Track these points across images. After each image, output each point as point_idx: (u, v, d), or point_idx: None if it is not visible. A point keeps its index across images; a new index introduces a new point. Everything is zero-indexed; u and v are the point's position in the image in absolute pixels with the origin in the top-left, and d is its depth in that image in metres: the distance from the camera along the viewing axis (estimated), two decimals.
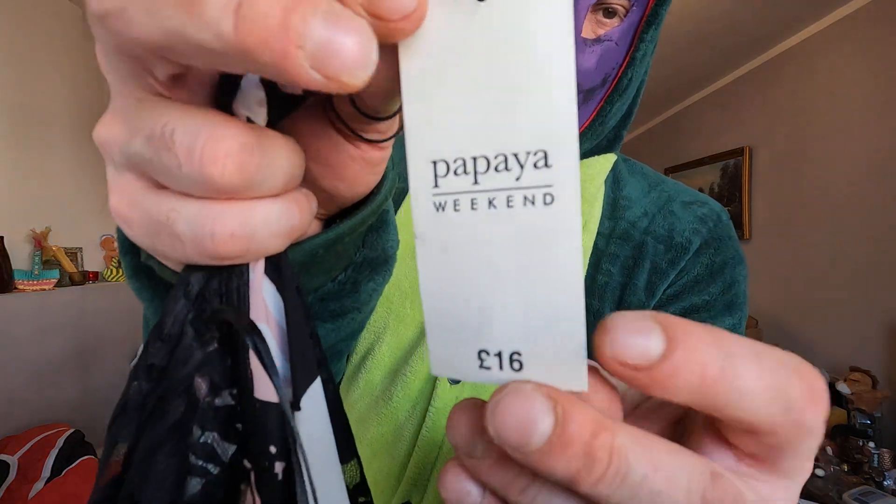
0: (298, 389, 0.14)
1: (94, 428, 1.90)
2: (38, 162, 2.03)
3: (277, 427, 0.14)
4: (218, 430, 0.14)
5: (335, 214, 0.21)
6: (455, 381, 0.38)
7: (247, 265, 0.15)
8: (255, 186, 0.13)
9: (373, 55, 0.10)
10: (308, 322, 0.16)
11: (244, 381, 0.14)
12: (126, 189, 0.14)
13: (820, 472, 1.67)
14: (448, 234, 0.12)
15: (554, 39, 0.10)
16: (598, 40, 0.38)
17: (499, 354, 0.12)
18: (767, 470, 0.12)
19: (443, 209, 0.12)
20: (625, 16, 0.38)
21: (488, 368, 0.12)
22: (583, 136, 0.43)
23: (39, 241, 1.95)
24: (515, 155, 0.11)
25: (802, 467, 0.12)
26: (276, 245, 0.14)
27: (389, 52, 0.12)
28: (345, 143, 0.16)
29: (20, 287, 1.85)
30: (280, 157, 0.13)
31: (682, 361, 0.10)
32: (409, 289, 0.41)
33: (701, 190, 2.26)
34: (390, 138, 0.17)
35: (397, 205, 0.42)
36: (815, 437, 0.11)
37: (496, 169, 0.11)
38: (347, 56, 0.10)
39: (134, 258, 0.23)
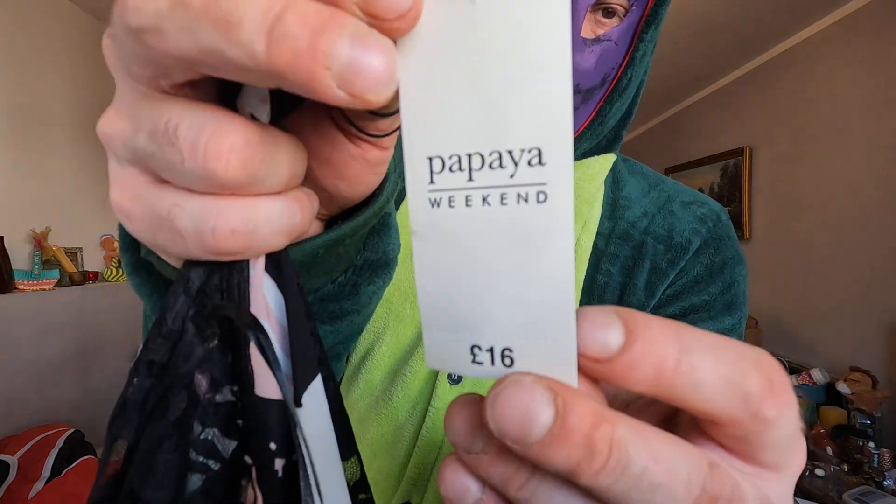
0: (299, 386, 0.15)
1: (94, 428, 1.90)
2: (38, 162, 2.03)
3: (278, 424, 0.14)
4: (218, 426, 0.14)
5: (337, 215, 0.21)
6: (455, 381, 0.38)
7: (247, 262, 0.15)
8: (257, 182, 0.13)
9: (396, 73, 0.11)
10: (309, 319, 0.16)
11: (245, 378, 0.14)
12: (129, 183, 0.14)
13: (820, 472, 1.67)
14: (443, 230, 0.12)
15: (550, 37, 0.10)
16: (597, 40, 0.38)
17: (490, 350, 0.12)
18: (751, 463, 0.12)
19: (438, 205, 0.12)
20: (624, 16, 0.38)
21: (480, 363, 0.12)
22: (582, 136, 0.43)
23: (39, 241, 1.95)
24: (510, 152, 0.11)
25: (787, 460, 0.12)
26: (278, 242, 0.14)
27: None
28: (345, 142, 0.16)
29: (20, 287, 1.85)
30: (283, 153, 0.13)
31: (640, 354, 0.11)
32: (408, 289, 0.41)
33: (701, 190, 2.26)
34: (390, 134, 0.17)
35: (398, 205, 0.42)
36: (779, 428, 0.11)
37: (491, 166, 0.11)
38: (371, 75, 0.10)
39: (134, 254, 0.23)
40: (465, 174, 0.12)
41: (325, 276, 0.23)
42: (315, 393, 0.15)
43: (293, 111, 0.16)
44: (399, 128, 0.17)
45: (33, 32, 2.01)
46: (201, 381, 0.14)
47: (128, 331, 2.21)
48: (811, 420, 1.94)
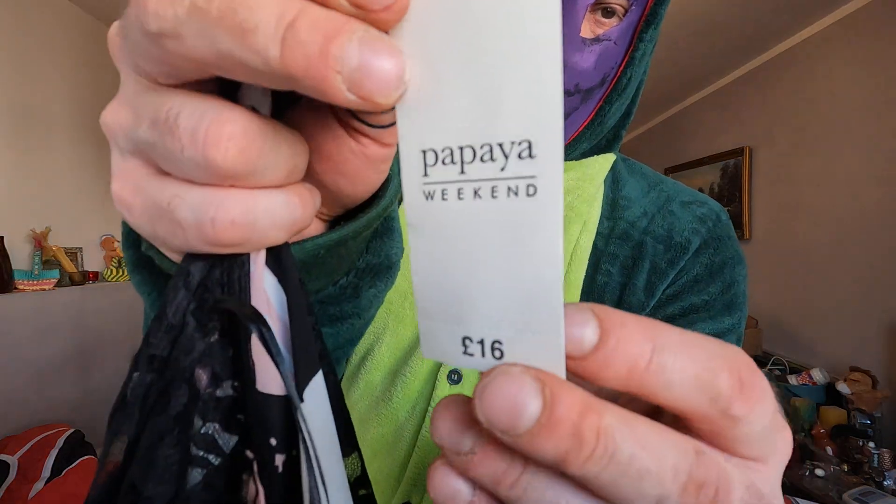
0: (301, 382, 0.15)
1: (94, 428, 1.89)
2: (38, 162, 2.03)
3: (278, 420, 0.14)
4: (219, 421, 0.14)
5: (339, 217, 0.21)
6: (455, 382, 0.38)
7: (248, 256, 0.15)
8: (257, 173, 0.13)
9: (404, 76, 0.11)
10: (310, 315, 0.16)
11: (246, 373, 0.14)
12: (130, 175, 0.14)
13: (820, 472, 1.67)
14: (436, 223, 0.12)
15: (541, 28, 0.10)
16: (596, 40, 0.38)
17: (481, 342, 0.12)
18: (732, 455, 0.12)
19: (432, 198, 0.12)
20: (624, 15, 0.38)
21: (471, 355, 0.12)
22: (582, 135, 0.43)
23: (39, 241, 1.95)
24: (500, 145, 0.11)
25: (767, 451, 0.12)
26: (278, 236, 0.14)
27: None
28: (346, 137, 0.16)
29: (20, 287, 1.85)
30: (283, 145, 0.14)
31: (612, 353, 0.11)
32: (408, 289, 0.41)
33: (701, 190, 2.26)
34: (389, 126, 0.17)
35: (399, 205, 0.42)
36: (749, 424, 0.12)
37: (482, 159, 0.11)
38: (380, 78, 0.11)
39: (136, 252, 0.23)
40: (458, 167, 0.12)
41: (326, 277, 0.23)
42: (316, 389, 0.15)
43: (295, 105, 0.16)
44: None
45: (33, 32, 2.01)
46: (202, 376, 0.14)
47: (128, 331, 2.21)
48: (811, 420, 1.94)
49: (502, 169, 0.11)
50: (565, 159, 0.44)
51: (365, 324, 0.28)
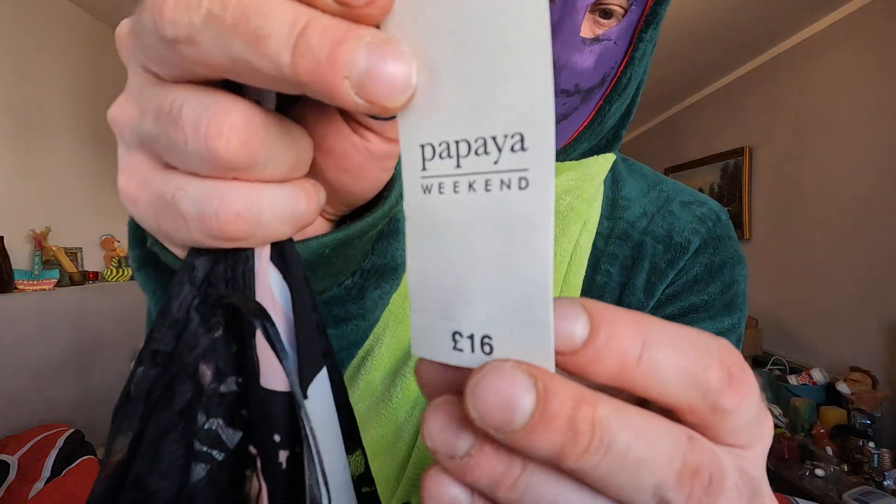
0: (305, 378, 0.15)
1: (94, 428, 1.89)
2: (38, 162, 2.03)
3: (282, 416, 0.14)
4: (223, 416, 0.14)
5: (345, 217, 0.21)
6: None
7: (252, 251, 0.15)
8: (259, 165, 0.13)
9: (411, 80, 0.12)
10: (315, 312, 0.16)
11: (250, 369, 0.14)
12: (136, 169, 0.14)
13: (820, 472, 1.67)
14: (433, 217, 0.12)
15: (530, 19, 0.10)
16: (596, 40, 0.38)
17: (471, 337, 0.12)
18: (718, 444, 0.12)
19: (429, 191, 0.12)
20: (623, 16, 0.38)
21: (461, 350, 0.12)
22: (581, 135, 0.43)
23: (39, 241, 1.95)
24: (494, 138, 0.11)
25: (753, 439, 0.13)
26: (282, 231, 0.14)
27: None
28: (349, 132, 0.16)
29: (20, 287, 1.85)
30: (286, 138, 0.14)
31: (602, 348, 0.11)
32: (407, 291, 0.41)
33: (701, 190, 2.26)
34: (389, 119, 0.17)
35: None
36: (738, 416, 0.12)
37: (476, 153, 0.11)
38: (387, 82, 0.11)
39: (142, 250, 0.23)
40: (454, 161, 0.12)
41: (331, 278, 0.23)
42: (320, 386, 0.15)
43: (298, 99, 0.16)
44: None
45: (33, 32, 2.01)
46: (206, 372, 0.14)
47: (128, 331, 2.21)
48: (811, 420, 1.94)
49: (496, 162, 0.11)
50: (565, 159, 0.44)
51: (370, 326, 0.28)
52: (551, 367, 0.11)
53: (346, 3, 0.11)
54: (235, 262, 0.14)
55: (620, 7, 0.37)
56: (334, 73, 0.11)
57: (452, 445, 0.12)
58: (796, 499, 1.47)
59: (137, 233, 0.22)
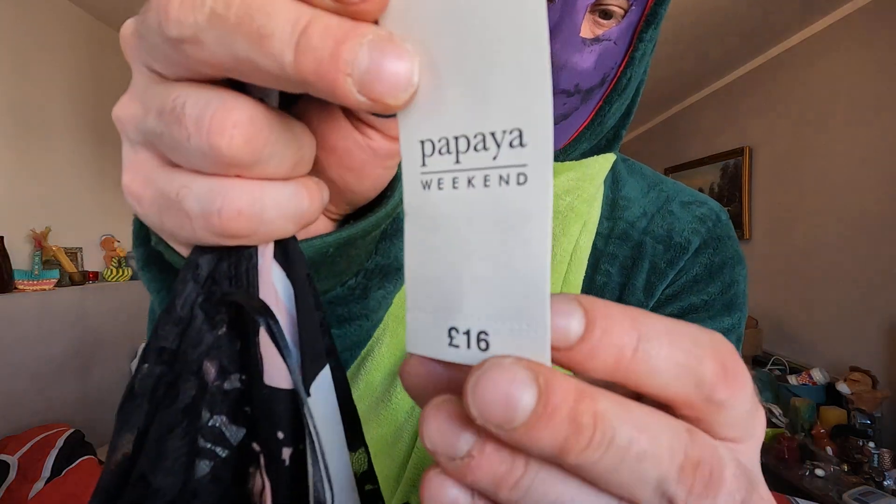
0: (308, 376, 0.15)
1: (94, 428, 1.90)
2: (38, 162, 2.03)
3: (285, 413, 0.14)
4: (226, 413, 0.14)
5: (349, 216, 0.21)
6: None
7: (255, 249, 0.15)
8: (262, 162, 0.13)
9: (413, 77, 0.12)
10: (318, 309, 0.16)
11: (253, 366, 0.14)
12: (140, 167, 0.14)
13: (820, 472, 1.67)
14: (432, 213, 0.13)
15: (526, 14, 0.10)
16: (596, 40, 0.38)
17: (467, 333, 0.12)
18: (713, 438, 0.12)
19: (428, 187, 0.12)
20: (622, 17, 0.38)
21: (457, 346, 0.12)
22: (582, 135, 0.43)
23: (39, 241, 1.95)
24: (492, 134, 0.11)
25: (746, 433, 0.13)
26: (285, 228, 0.14)
27: None
28: (352, 129, 0.16)
29: (20, 287, 1.85)
30: (289, 135, 0.14)
31: (598, 343, 0.11)
32: (405, 287, 0.41)
33: (701, 190, 2.26)
34: (390, 116, 0.17)
35: None
36: (732, 409, 0.12)
37: (475, 148, 0.12)
38: (389, 80, 0.11)
39: (146, 249, 0.23)
40: (453, 157, 0.12)
41: (334, 278, 0.23)
42: (323, 383, 0.15)
43: (301, 97, 0.16)
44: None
45: (33, 32, 2.02)
46: (210, 369, 0.14)
47: (128, 331, 2.21)
48: (811, 420, 1.94)
49: (494, 158, 0.11)
50: (565, 159, 0.44)
51: (373, 326, 0.28)
52: (548, 363, 0.11)
53: (342, 0, 0.11)
54: (239, 259, 0.15)
55: (620, 8, 0.37)
56: (337, 71, 0.11)
57: (452, 446, 0.11)
58: (796, 499, 1.47)
59: (142, 232, 0.23)
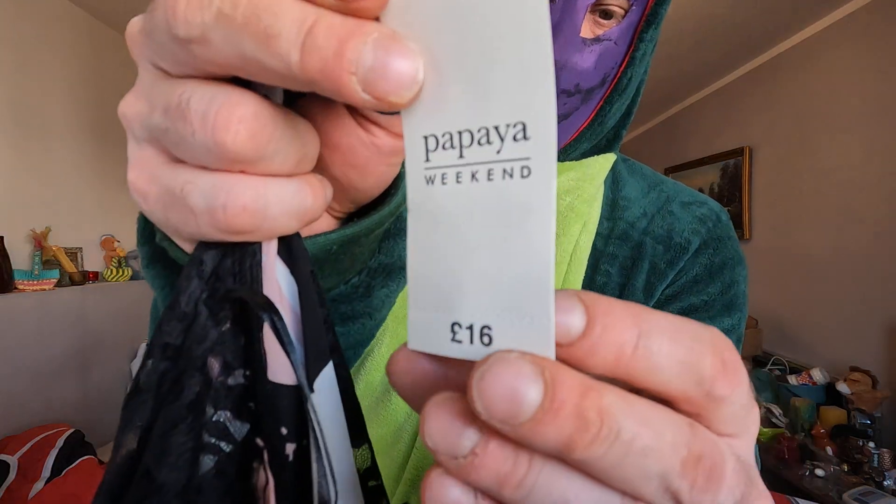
0: (311, 372, 0.15)
1: (94, 428, 1.90)
2: (38, 162, 2.03)
3: (289, 409, 0.14)
4: (231, 409, 0.14)
5: (353, 214, 0.21)
6: None
7: (259, 245, 0.15)
8: (267, 158, 0.13)
9: (417, 76, 0.12)
10: (322, 306, 0.16)
11: (257, 362, 0.14)
12: (145, 163, 0.15)
13: (820, 472, 1.67)
14: (435, 207, 0.13)
15: (527, 7, 0.10)
16: (596, 40, 0.38)
17: (470, 328, 0.12)
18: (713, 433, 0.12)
19: (432, 182, 0.12)
20: (623, 17, 0.38)
21: (459, 342, 0.12)
22: (582, 135, 0.43)
23: (39, 241, 1.95)
24: (496, 128, 0.11)
25: (742, 428, 0.13)
26: (289, 225, 0.14)
27: None
28: (355, 126, 0.16)
29: (20, 287, 1.85)
30: (293, 132, 0.14)
31: (599, 339, 0.11)
32: (408, 284, 0.41)
33: (701, 190, 2.26)
34: (394, 113, 0.17)
35: None
36: (731, 404, 0.12)
37: (479, 143, 0.12)
38: (393, 79, 0.11)
39: (151, 246, 0.23)
40: (457, 151, 0.12)
41: (338, 276, 0.23)
42: (326, 380, 0.15)
43: (305, 94, 0.16)
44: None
45: (34, 33, 2.02)
46: (214, 365, 0.14)
47: (128, 331, 2.21)
48: (811, 420, 1.95)
49: (498, 152, 0.11)
50: (566, 159, 0.44)
51: (376, 325, 0.28)
52: (552, 357, 0.11)
53: None
54: (243, 256, 0.15)
55: (620, 8, 0.38)
56: (341, 70, 0.11)
57: (455, 444, 0.11)
58: (796, 499, 1.47)
59: (146, 229, 0.23)
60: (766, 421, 2.03)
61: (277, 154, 0.13)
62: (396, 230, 0.25)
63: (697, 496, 0.11)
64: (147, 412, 0.14)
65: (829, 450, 1.77)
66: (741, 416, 0.12)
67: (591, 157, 0.45)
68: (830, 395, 1.98)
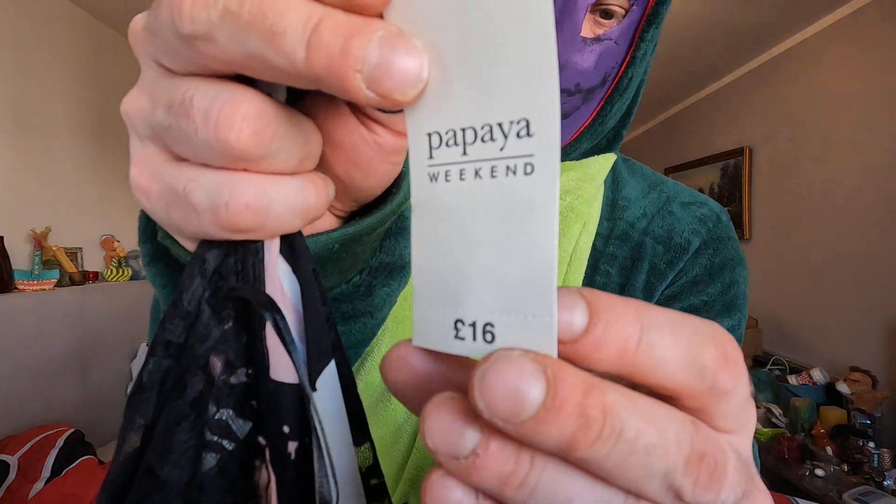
0: (313, 371, 0.15)
1: (94, 428, 1.89)
2: (38, 162, 2.03)
3: (291, 408, 0.14)
4: (233, 407, 0.14)
5: (354, 213, 0.21)
6: None
7: (262, 243, 0.15)
8: (270, 156, 0.13)
9: (422, 73, 0.12)
10: (324, 305, 0.16)
11: (259, 361, 0.14)
12: (148, 161, 0.14)
13: (820, 472, 1.67)
14: (439, 205, 0.13)
15: (531, 3, 0.10)
16: (597, 39, 0.38)
17: (473, 325, 0.12)
18: (713, 429, 0.12)
19: (436, 180, 0.13)
20: (623, 16, 0.38)
21: (462, 339, 0.12)
22: (582, 135, 0.43)
23: (39, 241, 1.95)
24: (500, 125, 0.11)
25: (741, 424, 0.13)
26: (292, 223, 0.14)
27: None
28: (358, 125, 0.16)
29: (20, 287, 1.85)
30: (297, 130, 0.14)
31: (602, 335, 0.11)
32: (408, 291, 0.41)
33: (701, 190, 2.27)
34: (397, 112, 0.17)
35: None
36: (734, 397, 0.12)
37: (482, 140, 0.12)
38: (398, 76, 0.11)
39: (153, 244, 0.23)
40: (460, 148, 0.12)
41: (339, 275, 0.23)
42: (329, 378, 0.15)
43: (308, 93, 0.16)
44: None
45: (34, 33, 2.01)
46: (216, 363, 0.14)
47: (128, 331, 2.21)
48: (811, 420, 1.95)
49: (501, 149, 0.11)
50: (566, 159, 0.44)
51: (377, 324, 0.28)
52: (554, 355, 0.11)
53: None
54: (245, 254, 0.15)
55: (621, 7, 0.37)
56: (346, 68, 0.11)
57: (456, 445, 0.11)
58: (796, 499, 1.47)
59: (148, 227, 0.23)
60: (766, 421, 2.03)
61: (280, 152, 0.13)
62: (398, 229, 0.25)
63: (700, 494, 0.11)
64: (150, 409, 0.14)
65: (829, 450, 1.77)
66: (741, 411, 0.12)
67: (592, 157, 0.45)
68: (830, 395, 1.98)
